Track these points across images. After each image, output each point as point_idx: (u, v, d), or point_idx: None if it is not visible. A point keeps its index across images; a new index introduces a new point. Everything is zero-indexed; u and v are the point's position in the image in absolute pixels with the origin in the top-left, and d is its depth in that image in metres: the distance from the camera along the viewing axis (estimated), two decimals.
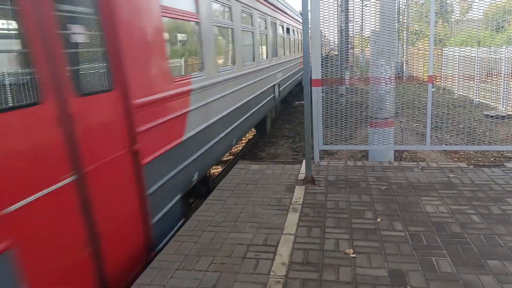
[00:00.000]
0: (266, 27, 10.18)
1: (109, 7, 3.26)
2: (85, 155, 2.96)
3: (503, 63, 10.72)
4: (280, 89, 11.99)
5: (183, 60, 5.23)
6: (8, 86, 2.49)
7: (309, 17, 5.17)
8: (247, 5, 7.94)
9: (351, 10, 6.60)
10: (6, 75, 2.52)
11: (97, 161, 3.11)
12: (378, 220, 4.14)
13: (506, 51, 10.22)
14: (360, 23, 6.68)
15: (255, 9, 8.76)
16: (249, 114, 7.93)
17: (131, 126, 3.55)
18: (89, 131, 3.03)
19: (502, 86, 10.73)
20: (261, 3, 9.44)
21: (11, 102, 2.46)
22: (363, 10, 6.56)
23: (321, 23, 6.01)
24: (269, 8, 10.58)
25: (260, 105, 9.06)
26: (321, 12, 5.96)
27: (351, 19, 6.67)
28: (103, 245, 3.14)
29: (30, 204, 2.48)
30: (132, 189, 3.59)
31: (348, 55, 7.01)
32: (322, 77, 6.15)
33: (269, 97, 10.23)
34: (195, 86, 4.98)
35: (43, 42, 2.63)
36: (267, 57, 10.09)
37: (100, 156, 3.15)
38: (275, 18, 11.53)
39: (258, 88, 8.82)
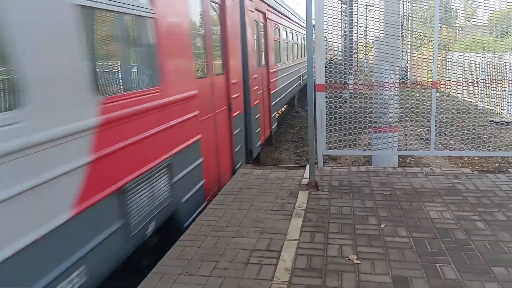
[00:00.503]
0: (297, 38, 16.89)
1: (268, 37, 9.81)
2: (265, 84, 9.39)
3: (507, 69, 10.67)
4: (303, 79, 18.19)
5: (276, 57, 11.01)
6: None
7: (313, 23, 5.24)
8: (290, 28, 14.60)
9: (355, 15, 6.61)
10: None
11: (264, 88, 9.22)
12: (382, 226, 4.12)
13: (511, 56, 10.17)
14: (364, 28, 6.69)
15: (291, 29, 15.00)
16: (290, 89, 14.10)
17: (268, 79, 9.49)
18: (268, 78, 9.70)
19: (506, 92, 10.68)
20: (294, 25, 15.82)
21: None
22: (367, 15, 6.56)
23: (325, 28, 6.02)
24: (297, 26, 16.93)
25: (294, 86, 15.27)
26: (325, 18, 5.97)
27: (355, 24, 6.67)
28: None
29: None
30: (268, 102, 9.60)
31: (352, 60, 7.01)
32: (326, 82, 6.14)
33: (297, 83, 16.42)
34: (279, 68, 11.33)
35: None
36: (297, 57, 16.63)
37: (265, 86, 9.31)
38: (300, 32, 18.13)
39: (293, 76, 15.19)
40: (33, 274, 2.38)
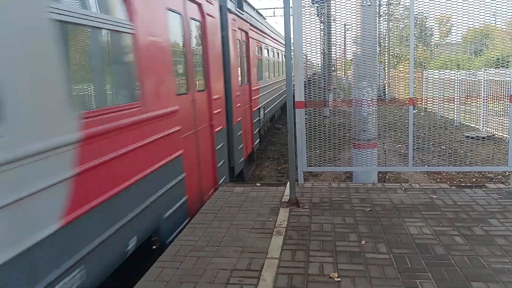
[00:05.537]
0: (278, 56, 17.41)
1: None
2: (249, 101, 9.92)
3: (482, 86, 11.00)
4: (284, 96, 18.93)
5: (258, 74, 11.32)
6: None
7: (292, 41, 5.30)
8: (272, 46, 15.19)
9: (334, 34, 6.71)
10: None
11: (247, 105, 9.48)
12: (363, 242, 4.11)
13: (485, 74, 10.48)
14: (343, 47, 6.79)
15: (273, 47, 15.54)
16: (274, 104, 14.85)
17: (250, 97, 9.71)
18: (250, 96, 9.96)
19: (481, 107, 10.98)
20: (275, 43, 16.46)
21: None
22: (346, 34, 6.67)
23: (304, 46, 6.09)
24: (279, 44, 17.46)
25: (276, 102, 15.87)
26: (303, 36, 6.05)
27: (334, 42, 6.77)
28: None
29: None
30: (250, 119, 9.71)
31: (331, 77, 7.10)
32: (305, 99, 6.19)
33: (279, 100, 16.98)
34: (260, 86, 11.65)
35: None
36: (279, 75, 17.48)
37: (248, 104, 9.56)
38: (281, 50, 18.29)
39: (278, 91, 16.38)
40: None
